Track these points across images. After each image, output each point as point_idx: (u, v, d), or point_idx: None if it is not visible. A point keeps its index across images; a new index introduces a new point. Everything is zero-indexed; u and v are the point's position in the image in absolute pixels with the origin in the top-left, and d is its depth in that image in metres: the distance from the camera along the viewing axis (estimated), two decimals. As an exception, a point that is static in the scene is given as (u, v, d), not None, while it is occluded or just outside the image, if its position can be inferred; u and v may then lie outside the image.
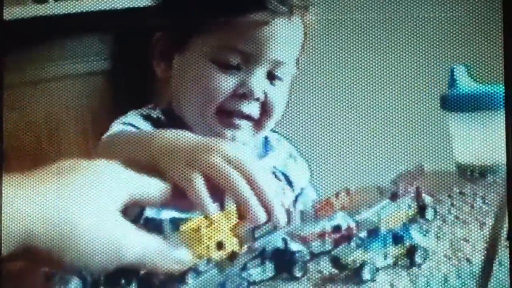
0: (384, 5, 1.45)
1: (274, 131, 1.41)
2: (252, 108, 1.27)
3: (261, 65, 1.25)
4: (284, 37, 1.25)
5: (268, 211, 0.93)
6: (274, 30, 1.24)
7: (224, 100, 1.25)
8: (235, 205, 0.95)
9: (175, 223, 1.12)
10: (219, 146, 0.92)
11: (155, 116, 1.33)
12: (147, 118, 1.31)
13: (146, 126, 1.29)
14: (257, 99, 1.27)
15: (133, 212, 1.09)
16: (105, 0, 2.07)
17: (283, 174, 1.38)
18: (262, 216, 0.92)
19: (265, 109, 1.28)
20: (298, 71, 1.34)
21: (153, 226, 1.20)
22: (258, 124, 1.29)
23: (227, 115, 1.27)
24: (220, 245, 0.95)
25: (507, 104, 1.06)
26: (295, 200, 1.38)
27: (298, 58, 1.32)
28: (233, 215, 0.95)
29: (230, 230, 0.95)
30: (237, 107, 1.26)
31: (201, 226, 0.93)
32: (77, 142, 2.12)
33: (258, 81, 1.25)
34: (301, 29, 1.29)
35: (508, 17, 1.07)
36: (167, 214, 1.17)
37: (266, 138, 1.40)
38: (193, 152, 0.92)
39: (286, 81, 1.30)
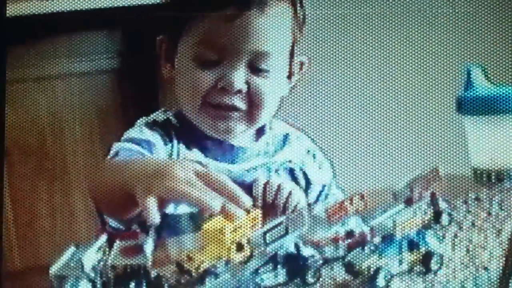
0: (399, 5, 1.43)
1: (299, 129, 1.43)
2: (235, 100, 1.29)
3: (239, 57, 1.27)
4: (259, 29, 1.27)
5: (234, 199, 0.98)
6: (247, 22, 1.27)
7: (206, 95, 1.29)
8: (260, 210, 0.96)
9: (194, 219, 1.13)
10: (168, 171, 1.02)
11: (163, 119, 1.36)
12: (153, 125, 1.35)
13: (151, 135, 1.31)
14: (239, 91, 1.29)
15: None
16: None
17: (301, 170, 1.38)
18: (215, 205, 0.96)
19: (252, 100, 1.30)
20: (312, 69, 1.35)
21: (172, 222, 1.23)
22: (249, 115, 1.31)
23: (213, 108, 1.30)
24: (240, 247, 0.94)
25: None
26: (317, 198, 1.38)
27: (293, 50, 1.33)
28: (258, 221, 0.96)
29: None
30: (220, 99, 1.29)
31: (226, 229, 0.93)
32: (82, 141, 2.10)
33: (237, 73, 1.28)
34: (283, 20, 1.30)
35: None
36: (184, 209, 1.19)
37: (286, 135, 1.41)
38: (148, 182, 1.02)
39: (275, 72, 1.31)
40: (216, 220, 0.94)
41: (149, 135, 1.31)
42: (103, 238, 0.98)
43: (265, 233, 0.96)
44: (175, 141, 1.32)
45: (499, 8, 1.30)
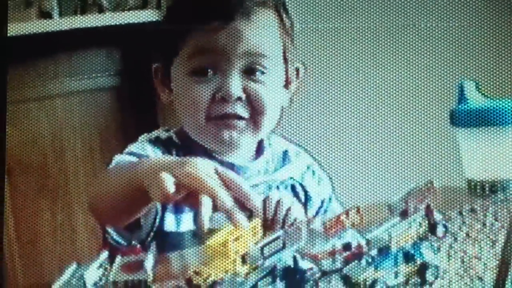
0: (394, 19, 1.45)
1: (297, 145, 1.45)
2: (237, 108, 1.31)
3: (232, 64, 1.30)
4: (248, 34, 1.30)
5: (246, 200, 1.04)
6: (234, 31, 1.30)
7: (208, 108, 1.31)
8: (260, 219, 0.98)
9: (197, 236, 1.15)
10: (190, 160, 1.07)
11: (165, 137, 1.38)
12: (156, 141, 1.37)
13: (152, 151, 1.34)
14: (239, 99, 1.30)
15: (146, 224, 1.21)
16: (109, 16, 2.06)
17: (301, 185, 1.40)
18: (227, 200, 1.01)
19: (253, 106, 1.32)
20: (309, 84, 1.37)
21: (175, 240, 1.25)
22: (253, 123, 1.33)
23: (217, 119, 1.31)
24: (244, 259, 0.95)
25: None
26: (317, 213, 1.40)
27: (287, 53, 1.36)
28: (258, 229, 0.98)
29: (255, 244, 0.96)
30: (222, 110, 1.31)
31: (228, 240, 0.95)
32: (83, 160, 2.11)
33: (233, 81, 1.30)
34: (270, 26, 1.34)
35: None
36: (186, 227, 1.21)
37: (285, 152, 1.43)
38: (167, 167, 1.05)
39: (272, 74, 1.33)
40: (218, 234, 0.96)
41: (150, 151, 1.33)
42: (104, 254, 1.00)
43: (262, 247, 0.97)
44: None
45: (491, 22, 1.32)
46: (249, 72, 1.31)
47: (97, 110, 2.13)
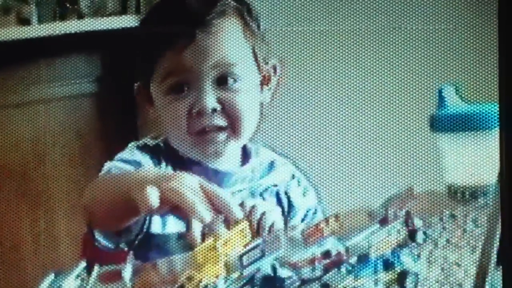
0: (374, 23, 1.45)
1: (282, 156, 1.47)
2: (214, 120, 1.34)
3: (202, 78, 1.33)
4: (212, 47, 1.33)
5: (229, 214, 1.07)
6: (198, 46, 1.33)
7: (187, 124, 1.34)
8: (248, 222, 1.01)
9: (182, 239, 1.16)
10: (177, 175, 1.12)
11: (152, 144, 1.41)
12: (144, 148, 1.40)
13: (142, 157, 1.37)
14: (214, 110, 1.33)
15: (136, 227, 1.24)
16: (89, 21, 2.06)
17: (285, 193, 1.42)
18: (206, 215, 1.05)
19: (229, 114, 1.34)
20: (291, 93, 1.39)
21: (161, 241, 1.26)
22: (233, 131, 1.35)
23: (199, 135, 1.34)
24: (227, 267, 0.95)
25: (502, 122, 1.05)
26: (301, 222, 1.41)
27: (259, 56, 1.39)
28: (247, 232, 1.00)
29: (244, 247, 0.98)
30: (200, 124, 1.33)
31: (217, 244, 0.96)
32: (63, 166, 2.10)
33: (206, 94, 1.33)
34: (233, 33, 1.36)
35: (503, 35, 1.06)
36: (172, 229, 1.22)
37: (272, 162, 1.45)
38: (154, 181, 1.10)
39: (245, 79, 1.36)
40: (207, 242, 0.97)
41: (140, 157, 1.37)
42: (82, 265, 0.99)
43: (241, 256, 0.97)
44: (163, 165, 1.36)
45: (470, 27, 1.32)
46: (221, 82, 1.34)
47: (78, 116, 2.12)
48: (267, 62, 1.40)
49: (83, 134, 2.10)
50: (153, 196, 1.06)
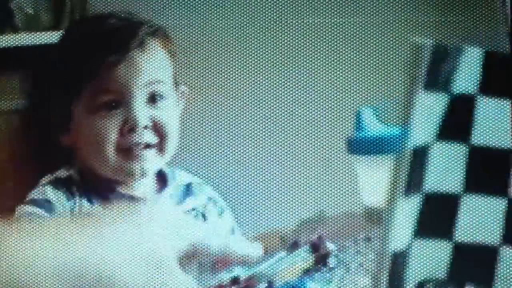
0: (290, 44, 1.45)
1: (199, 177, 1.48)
2: (146, 137, 1.35)
3: (136, 94, 1.34)
4: (144, 63, 1.35)
5: None
6: (132, 62, 1.34)
7: (117, 141, 1.34)
8: None
9: None
10: None
11: (64, 176, 1.40)
12: (56, 183, 1.38)
13: (54, 195, 1.36)
14: (146, 127, 1.34)
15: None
16: (22, 36, 2.03)
17: (203, 216, 1.43)
18: None
19: (159, 132, 1.36)
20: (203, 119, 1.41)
21: None
22: (159, 148, 1.37)
23: (127, 151, 1.35)
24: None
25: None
26: None
27: (175, 77, 1.42)
28: None
29: None
30: (132, 141, 1.34)
31: None
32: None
33: (139, 111, 1.33)
34: (160, 54, 1.39)
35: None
36: None
37: (188, 185, 1.46)
38: None
39: (169, 99, 1.39)
40: None
41: (50, 194, 1.36)
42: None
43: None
44: (77, 197, 1.35)
45: (390, 50, 1.32)
46: (152, 100, 1.36)
47: (9, 133, 2.08)
48: (179, 86, 1.45)
49: (14, 151, 2.07)
50: None
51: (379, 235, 1.19)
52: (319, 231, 1.07)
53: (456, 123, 0.78)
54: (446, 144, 0.79)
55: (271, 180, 1.45)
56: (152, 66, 1.35)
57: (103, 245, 0.77)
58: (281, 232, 1.07)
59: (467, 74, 0.77)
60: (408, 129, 0.77)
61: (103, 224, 0.80)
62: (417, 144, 0.78)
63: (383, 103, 1.27)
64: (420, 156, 0.79)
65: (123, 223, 0.80)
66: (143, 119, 1.33)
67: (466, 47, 0.77)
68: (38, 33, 2.06)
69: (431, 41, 0.74)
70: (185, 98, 1.44)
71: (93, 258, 0.75)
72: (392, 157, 1.23)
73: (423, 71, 0.73)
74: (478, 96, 0.78)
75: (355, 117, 1.26)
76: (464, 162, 0.80)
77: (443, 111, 0.77)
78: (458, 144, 0.79)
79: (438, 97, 0.76)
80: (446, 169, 0.80)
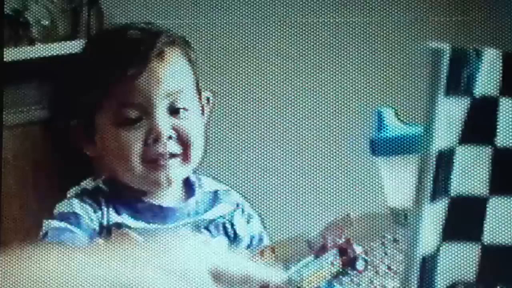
0: (312, 46, 1.45)
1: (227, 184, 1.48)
2: (170, 147, 1.34)
3: (157, 105, 1.33)
4: (164, 74, 1.34)
5: None
6: (151, 73, 1.33)
7: (143, 152, 1.33)
8: None
9: None
10: None
11: (91, 187, 1.39)
12: (83, 195, 1.37)
13: (80, 208, 1.34)
14: (170, 138, 1.33)
15: None
16: (39, 47, 2.04)
17: (230, 223, 1.42)
18: None
19: (183, 142, 1.35)
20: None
21: None
22: (184, 157, 1.36)
23: (153, 162, 1.34)
24: None
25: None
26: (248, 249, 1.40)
27: (197, 84, 1.41)
28: None
29: None
30: (157, 152, 1.33)
31: None
32: (16, 194, 2.07)
33: (162, 121, 1.33)
34: (180, 63, 1.38)
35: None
36: None
37: (215, 192, 1.45)
38: None
39: (193, 108, 1.38)
40: None
41: (77, 207, 1.34)
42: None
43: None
44: (104, 208, 1.35)
45: (408, 52, 1.32)
46: (173, 110, 1.34)
47: (29, 145, 2.09)
48: (203, 93, 1.43)
49: (35, 162, 2.08)
50: None
51: (406, 236, 1.19)
52: (345, 233, 1.07)
53: (480, 125, 0.78)
54: (471, 147, 0.79)
55: (296, 184, 1.45)
56: (172, 76, 1.34)
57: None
58: (307, 236, 1.07)
59: (487, 76, 0.77)
60: (432, 133, 0.77)
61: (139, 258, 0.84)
62: (441, 148, 0.78)
63: (401, 103, 1.27)
64: (444, 160, 0.79)
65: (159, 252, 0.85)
66: (166, 130, 1.32)
67: (485, 49, 0.76)
68: (55, 44, 2.07)
69: (449, 45, 0.74)
70: (210, 105, 1.44)
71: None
72: (414, 157, 1.24)
73: (443, 76, 0.73)
74: (500, 98, 0.78)
75: (374, 118, 1.25)
76: (489, 164, 0.80)
77: (466, 114, 0.77)
78: (483, 146, 0.79)
79: (460, 101, 0.76)
80: (471, 171, 0.80)
